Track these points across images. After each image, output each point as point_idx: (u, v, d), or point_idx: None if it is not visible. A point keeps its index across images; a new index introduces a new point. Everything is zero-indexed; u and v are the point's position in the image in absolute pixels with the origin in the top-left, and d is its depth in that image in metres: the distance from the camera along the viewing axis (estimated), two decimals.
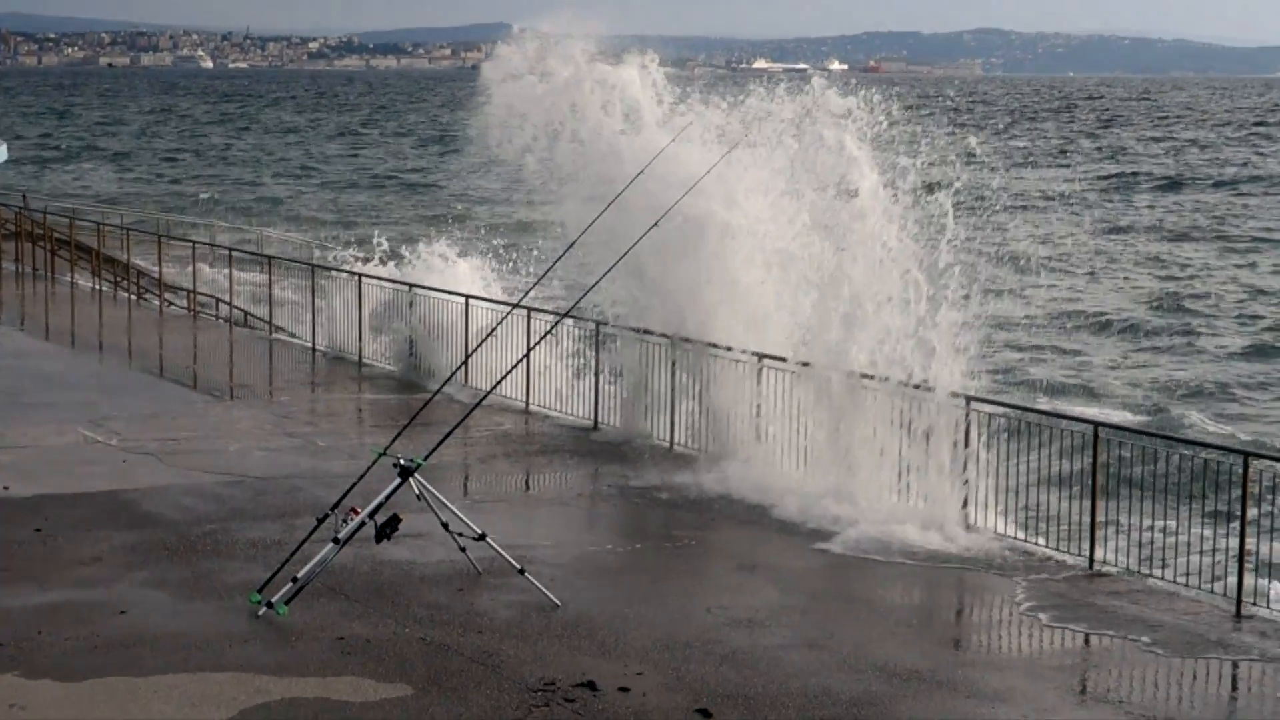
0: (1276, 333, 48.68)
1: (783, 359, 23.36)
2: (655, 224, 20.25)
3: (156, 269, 46.36)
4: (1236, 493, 18.25)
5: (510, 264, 34.24)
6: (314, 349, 34.91)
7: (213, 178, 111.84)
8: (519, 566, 17.61)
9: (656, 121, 26.98)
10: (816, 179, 24.32)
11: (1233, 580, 17.88)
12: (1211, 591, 18.34)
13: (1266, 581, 19.03)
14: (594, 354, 26.98)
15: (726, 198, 24.69)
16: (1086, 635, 16.74)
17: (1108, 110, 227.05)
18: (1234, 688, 15.38)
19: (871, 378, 22.04)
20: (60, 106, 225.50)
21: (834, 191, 23.91)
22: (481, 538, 17.80)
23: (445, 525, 17.79)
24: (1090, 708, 14.83)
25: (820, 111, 24.65)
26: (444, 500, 17.92)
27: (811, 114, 24.82)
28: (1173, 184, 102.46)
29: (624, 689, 14.66)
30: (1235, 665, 15.91)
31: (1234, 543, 17.96)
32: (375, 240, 38.45)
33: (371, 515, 17.11)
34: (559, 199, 27.84)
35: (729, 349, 24.12)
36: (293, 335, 37.60)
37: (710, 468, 23.38)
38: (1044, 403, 32.63)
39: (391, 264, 36.26)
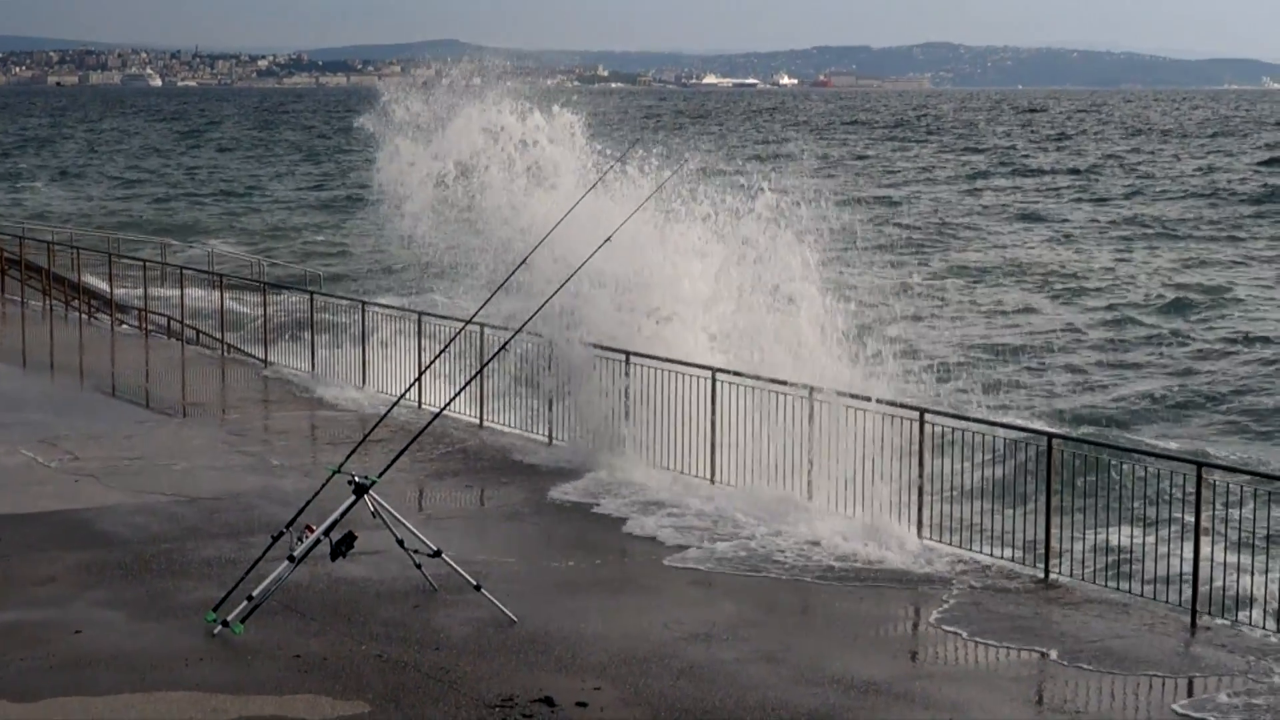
0: (1230, 342, 48.93)
1: (738, 374, 23.43)
2: (609, 239, 20.22)
3: (107, 288, 46.17)
4: (1190, 503, 18.32)
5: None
6: (266, 365, 34.82)
7: (163, 197, 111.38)
8: (475, 582, 17.59)
9: (574, 169, 27.16)
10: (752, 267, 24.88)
11: (1187, 591, 17.95)
12: (1166, 602, 18.39)
13: (1221, 592, 19.10)
14: (546, 370, 26.93)
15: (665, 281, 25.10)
16: (1043, 647, 16.78)
17: (1055, 123, 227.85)
18: (1189, 695, 15.42)
19: (822, 390, 22.13)
20: (12, 126, 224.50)
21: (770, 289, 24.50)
22: (437, 554, 17.79)
23: (400, 542, 17.77)
24: (1047, 718, 14.88)
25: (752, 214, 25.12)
26: (399, 517, 17.90)
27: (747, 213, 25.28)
28: (1130, 193, 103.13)
29: (582, 704, 14.65)
30: (1190, 677, 15.97)
31: (1188, 553, 18.02)
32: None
33: (327, 533, 17.09)
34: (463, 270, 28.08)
35: (683, 364, 24.14)
36: (245, 353, 37.51)
37: (665, 483, 23.43)
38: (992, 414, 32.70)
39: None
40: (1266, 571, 20.99)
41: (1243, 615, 18.44)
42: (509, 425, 27.96)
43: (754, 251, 25.20)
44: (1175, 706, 15.04)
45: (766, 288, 25.03)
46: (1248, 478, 20.00)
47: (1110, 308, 55.85)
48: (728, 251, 25.59)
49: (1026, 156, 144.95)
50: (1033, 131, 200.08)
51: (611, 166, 24.47)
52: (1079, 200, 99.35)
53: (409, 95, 30.27)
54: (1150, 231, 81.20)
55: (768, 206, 25.12)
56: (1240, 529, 21.63)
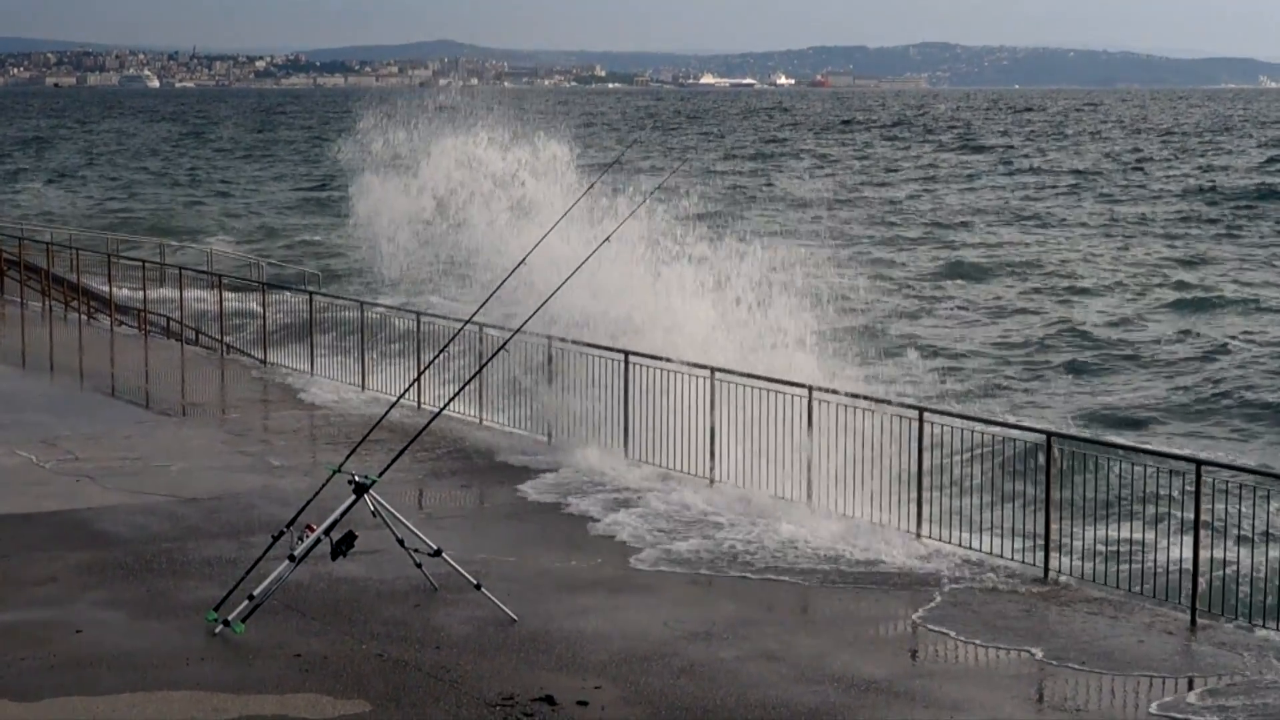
0: (1231, 339, 48.91)
1: (743, 374, 23.44)
2: (608, 238, 20.22)
3: (107, 288, 46.17)
4: (1190, 501, 18.31)
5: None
6: (265, 365, 34.82)
7: (161, 197, 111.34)
8: (475, 581, 17.60)
9: (561, 207, 27.21)
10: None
11: (1187, 588, 17.95)
12: (1165, 600, 18.40)
13: (1221, 590, 19.12)
14: (546, 370, 26.91)
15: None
16: (1043, 645, 16.79)
17: (1054, 123, 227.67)
18: (1190, 688, 15.41)
19: (833, 392, 22.17)
20: (10, 128, 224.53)
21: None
22: (437, 553, 17.80)
23: (401, 541, 17.79)
24: (1048, 715, 14.88)
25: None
26: (399, 516, 17.92)
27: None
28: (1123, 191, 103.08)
29: (582, 703, 14.66)
30: (1189, 676, 15.98)
31: (1188, 552, 18.02)
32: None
33: (327, 532, 17.10)
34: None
35: (683, 364, 24.15)
36: (245, 353, 37.51)
37: (663, 483, 23.45)
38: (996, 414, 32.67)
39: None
40: (1266, 569, 21.00)
41: (1243, 613, 18.42)
42: (509, 425, 27.92)
43: (745, 309, 25.49)
44: (1153, 707, 15.01)
45: (764, 345, 25.26)
46: (1247, 476, 19.98)
47: (1112, 306, 55.86)
48: (720, 311, 25.79)
49: (1026, 155, 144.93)
50: (1032, 131, 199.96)
51: (606, 172, 24.44)
52: (1079, 199, 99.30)
53: (389, 126, 30.20)
54: (1150, 231, 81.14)
55: (760, 266, 25.40)
56: (1239, 527, 21.67)
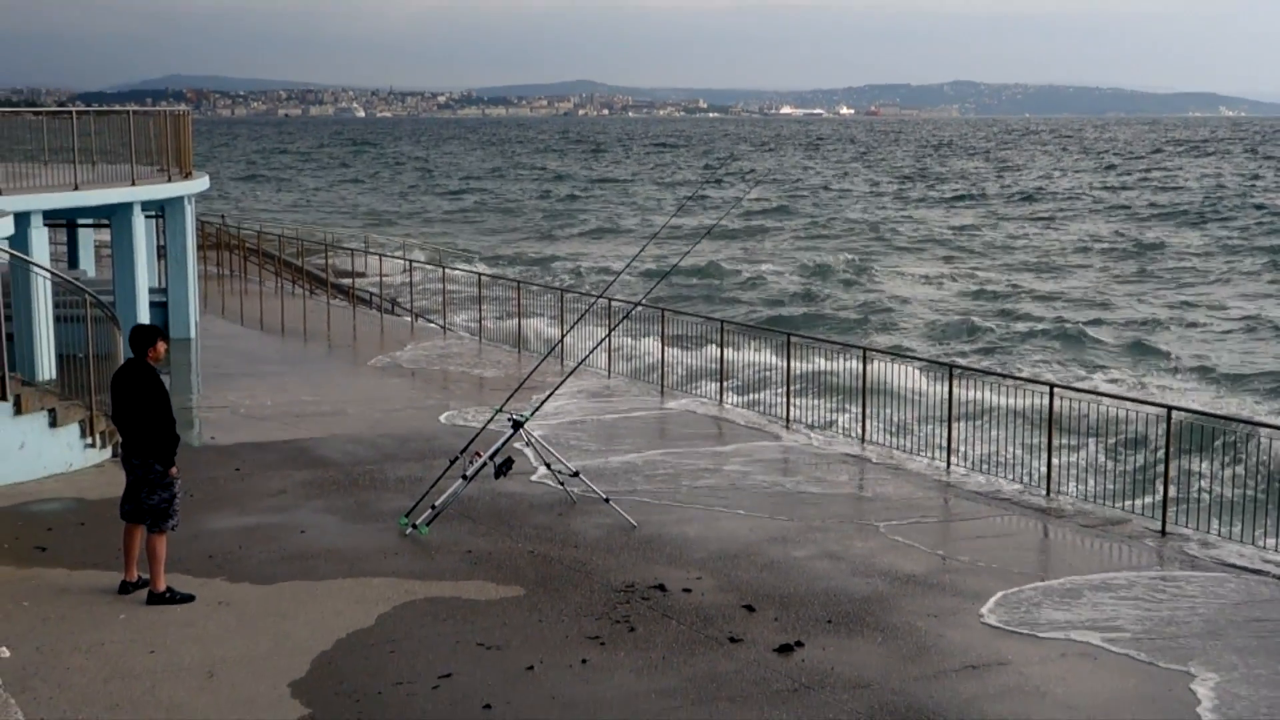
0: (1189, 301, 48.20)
1: (805, 335, 23.33)
2: (709, 230, 20.19)
3: (324, 270, 46.58)
4: (1163, 439, 18.10)
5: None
6: (445, 330, 35.01)
7: (364, 200, 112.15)
8: (604, 496, 17.66)
9: None
10: None
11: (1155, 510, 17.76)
12: (1143, 514, 18.24)
13: (1188, 508, 18.92)
14: (660, 334, 26.92)
15: None
16: (1046, 548, 16.68)
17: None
18: (1157, 561, 15.24)
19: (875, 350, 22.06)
20: (256, 147, 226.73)
21: None
22: (575, 474, 17.87)
23: (548, 465, 17.89)
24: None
25: None
26: (547, 445, 18.02)
27: None
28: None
29: (687, 590, 14.67)
30: (1162, 576, 15.80)
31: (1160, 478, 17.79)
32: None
33: (492, 457, 17.19)
34: None
35: (762, 329, 24.10)
36: (430, 320, 37.72)
37: (749, 417, 23.40)
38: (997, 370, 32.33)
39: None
40: (1221, 491, 20.74)
41: (1204, 526, 18.19)
42: (633, 376, 27.95)
43: None
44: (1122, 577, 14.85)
45: None
46: (1204, 418, 19.68)
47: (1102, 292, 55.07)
48: None
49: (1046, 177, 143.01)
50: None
51: (713, 176, 24.35)
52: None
53: None
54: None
55: None
56: (1199, 459, 21.38)
